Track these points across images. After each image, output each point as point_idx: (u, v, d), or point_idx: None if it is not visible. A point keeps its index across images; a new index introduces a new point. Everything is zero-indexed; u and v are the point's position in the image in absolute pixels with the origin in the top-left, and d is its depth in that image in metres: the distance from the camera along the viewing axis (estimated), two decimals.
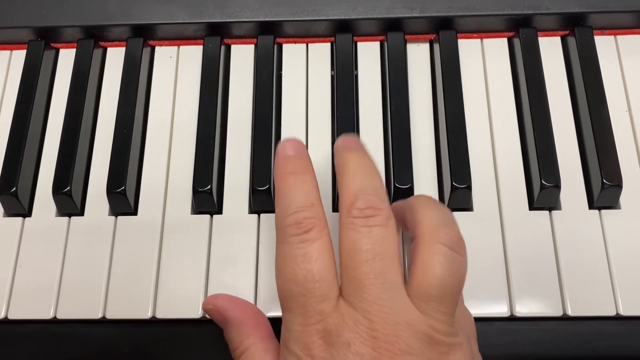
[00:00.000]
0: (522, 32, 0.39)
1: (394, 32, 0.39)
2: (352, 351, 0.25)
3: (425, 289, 0.27)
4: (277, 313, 0.33)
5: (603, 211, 0.35)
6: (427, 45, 0.40)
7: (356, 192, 0.28)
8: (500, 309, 0.33)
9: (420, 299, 0.27)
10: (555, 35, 0.40)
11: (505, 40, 0.40)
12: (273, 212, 0.36)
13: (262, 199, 0.35)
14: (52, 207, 0.36)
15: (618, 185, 0.34)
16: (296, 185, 0.29)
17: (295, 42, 0.40)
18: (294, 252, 0.27)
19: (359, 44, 0.40)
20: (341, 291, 0.27)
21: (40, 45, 0.40)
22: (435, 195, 0.36)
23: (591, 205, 0.35)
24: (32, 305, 0.34)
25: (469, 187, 0.34)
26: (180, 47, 0.41)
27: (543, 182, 0.34)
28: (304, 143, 0.37)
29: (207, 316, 0.34)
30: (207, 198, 0.35)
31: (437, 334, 0.26)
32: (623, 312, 0.32)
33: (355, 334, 0.26)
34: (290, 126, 0.38)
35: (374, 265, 0.26)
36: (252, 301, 0.34)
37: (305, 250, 0.27)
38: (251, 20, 0.39)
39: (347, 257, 0.27)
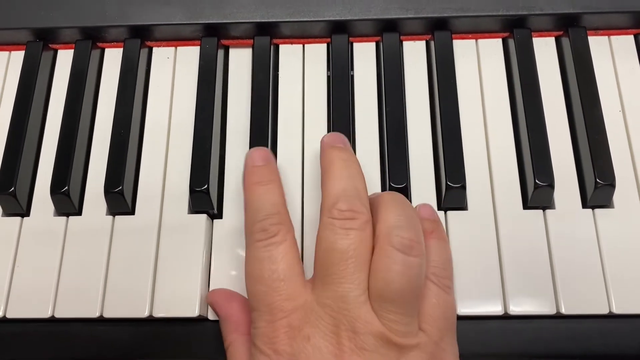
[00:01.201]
0: (516, 32, 0.39)
1: (389, 33, 0.39)
2: (311, 344, 0.27)
3: (378, 290, 0.28)
4: None
5: (596, 210, 0.35)
6: (423, 46, 0.40)
7: (339, 193, 0.30)
8: (494, 308, 0.33)
9: (376, 300, 0.28)
10: (549, 36, 0.40)
11: (499, 40, 0.40)
12: None
13: None
14: (50, 207, 0.37)
15: (611, 185, 0.34)
16: (263, 195, 0.31)
17: (291, 43, 0.40)
18: (261, 255, 0.29)
19: (354, 44, 0.40)
20: (312, 284, 0.29)
21: (39, 46, 0.40)
22: (431, 195, 0.36)
23: (585, 205, 0.35)
24: (30, 304, 0.34)
25: (464, 187, 0.35)
26: (178, 48, 0.41)
27: (537, 181, 0.34)
28: (300, 142, 0.37)
29: (203, 315, 0.34)
30: (203, 198, 0.35)
31: (392, 335, 0.27)
32: (616, 310, 0.33)
33: (315, 328, 0.27)
34: (287, 126, 0.38)
35: (346, 267, 0.28)
36: None
37: (270, 253, 0.29)
38: (248, 21, 0.39)
39: (321, 255, 0.29)
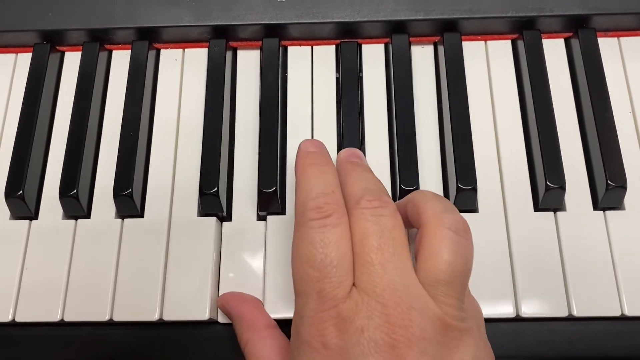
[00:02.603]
0: (526, 34, 0.39)
1: (398, 35, 0.39)
2: (366, 337, 0.25)
3: (434, 273, 0.27)
4: (284, 315, 0.33)
5: (608, 212, 0.35)
6: (431, 48, 0.40)
7: (362, 190, 0.29)
8: (505, 310, 0.33)
9: (430, 284, 0.27)
10: (558, 37, 0.40)
11: (509, 42, 0.40)
12: (280, 214, 0.36)
13: (268, 201, 0.35)
14: (59, 209, 0.37)
15: (622, 187, 0.34)
16: (317, 174, 0.30)
17: (300, 45, 0.40)
18: (313, 235, 0.28)
19: (363, 46, 0.40)
20: (354, 279, 0.27)
21: (46, 48, 0.40)
22: None
23: (596, 207, 0.35)
24: (39, 307, 0.34)
25: (475, 189, 0.35)
26: (186, 49, 0.41)
27: (548, 183, 0.34)
28: None
29: (214, 318, 0.34)
30: (213, 200, 0.35)
31: (449, 319, 0.26)
32: (628, 312, 0.33)
33: (368, 319, 0.26)
34: (296, 128, 0.38)
35: (385, 252, 0.27)
36: None
37: (324, 235, 0.27)
38: (256, 23, 0.39)
39: (358, 245, 0.27)
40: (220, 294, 0.34)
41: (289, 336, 0.29)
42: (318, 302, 0.27)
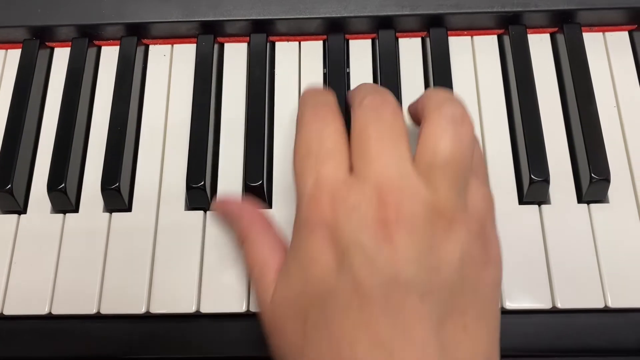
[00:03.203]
0: (511, 29, 0.39)
1: (385, 30, 0.40)
2: (357, 214, 0.26)
3: (429, 156, 0.27)
4: None
5: (592, 205, 0.35)
6: (418, 43, 0.40)
7: (367, 92, 0.30)
8: None
9: (425, 169, 0.27)
10: (544, 32, 0.40)
11: (495, 37, 0.40)
12: (267, 208, 0.36)
13: (254, 195, 0.35)
14: (47, 204, 0.37)
15: (606, 180, 0.34)
16: (316, 91, 0.32)
17: (287, 40, 0.41)
18: (312, 123, 0.29)
19: (350, 41, 0.41)
20: (351, 167, 0.28)
21: (35, 44, 0.40)
22: None
23: (580, 200, 0.35)
24: (28, 301, 0.34)
25: None
26: (174, 45, 0.41)
27: (532, 176, 0.34)
28: None
29: (202, 311, 0.34)
30: (200, 194, 0.35)
31: (442, 205, 0.26)
32: (611, 304, 0.33)
33: (361, 199, 0.26)
34: (283, 123, 0.38)
35: (384, 138, 0.27)
36: (244, 296, 0.34)
37: (320, 129, 0.29)
38: (244, 18, 0.39)
39: (357, 136, 0.28)
40: (204, 287, 0.34)
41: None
42: (315, 184, 0.28)
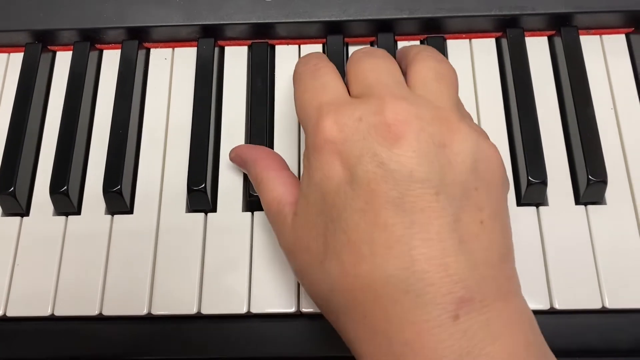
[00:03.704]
0: (509, 32, 0.39)
1: (384, 33, 0.40)
2: (364, 123, 0.27)
3: (421, 78, 0.29)
4: (271, 309, 0.34)
5: (589, 207, 0.35)
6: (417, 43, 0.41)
7: (360, 49, 0.32)
8: None
9: (420, 87, 0.29)
10: (542, 35, 0.40)
11: (493, 40, 0.40)
12: None
13: (256, 198, 0.36)
14: (50, 206, 0.37)
15: (603, 181, 0.35)
16: (306, 54, 0.33)
17: (287, 44, 0.41)
18: (306, 80, 0.31)
19: (350, 45, 0.41)
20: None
21: (38, 48, 0.41)
22: None
23: (577, 201, 0.36)
24: (30, 302, 0.35)
25: None
26: (175, 49, 0.41)
27: (530, 178, 0.35)
28: (296, 141, 0.38)
29: (203, 313, 0.34)
30: (201, 197, 0.36)
31: (444, 110, 0.28)
32: (609, 304, 0.33)
33: (366, 110, 0.27)
34: (283, 125, 0.38)
35: (379, 68, 0.29)
36: (246, 297, 0.34)
37: (315, 77, 0.30)
38: (244, 22, 0.40)
39: (354, 74, 0.30)
40: (205, 288, 0.35)
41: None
42: (318, 112, 0.29)
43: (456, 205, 0.26)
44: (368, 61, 0.30)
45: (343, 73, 0.38)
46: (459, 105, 0.29)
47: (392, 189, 0.26)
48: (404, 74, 0.31)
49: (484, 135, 0.29)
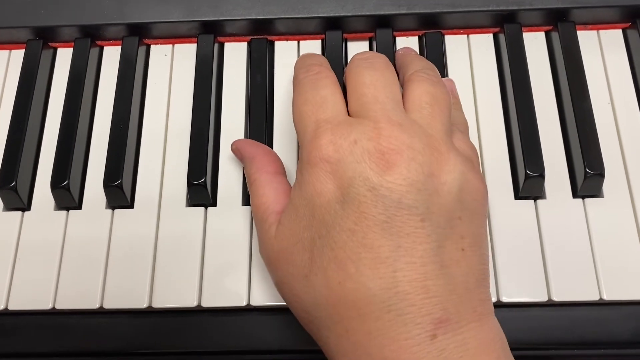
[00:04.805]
0: (507, 27, 0.40)
1: (382, 29, 0.40)
2: (359, 147, 0.28)
3: (415, 101, 0.30)
4: (270, 302, 0.34)
5: (587, 200, 0.36)
6: (415, 42, 0.41)
7: (360, 53, 0.33)
8: None
9: (414, 111, 0.30)
10: (539, 31, 0.41)
11: (490, 35, 0.41)
12: None
13: None
14: (51, 201, 0.37)
15: (600, 174, 0.35)
16: (307, 55, 0.35)
17: (286, 40, 0.41)
18: (305, 87, 0.31)
19: (349, 41, 0.41)
20: (349, 112, 0.30)
21: (39, 44, 0.41)
22: None
23: (575, 194, 0.36)
24: (32, 296, 0.35)
25: None
26: (175, 45, 0.41)
27: (528, 171, 0.35)
28: (295, 136, 0.38)
29: (203, 306, 0.35)
30: (201, 191, 0.36)
31: (435, 139, 0.29)
32: (606, 296, 0.33)
33: (362, 133, 0.28)
34: (282, 120, 0.39)
35: (377, 84, 0.30)
36: (245, 291, 0.34)
37: (314, 84, 0.31)
38: (243, 18, 0.40)
39: (352, 83, 0.31)
40: (205, 282, 0.35)
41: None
42: (315, 128, 0.30)
43: (440, 233, 0.27)
44: (367, 74, 0.31)
45: (342, 71, 0.39)
46: (449, 132, 0.30)
47: (381, 213, 0.27)
48: (402, 83, 0.32)
49: (471, 164, 0.30)
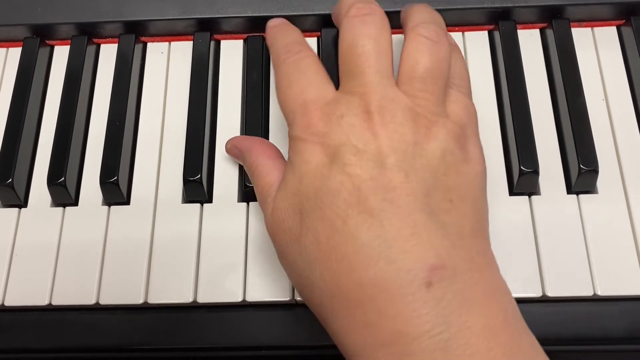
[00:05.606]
0: (501, 24, 0.40)
1: None
2: (345, 121, 0.29)
3: (408, 71, 0.30)
4: (266, 298, 0.34)
5: (581, 196, 0.36)
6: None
7: (354, 2, 0.32)
8: None
9: (405, 82, 0.30)
10: (534, 28, 0.41)
11: (485, 33, 0.41)
12: None
13: (251, 189, 0.36)
14: (47, 198, 0.37)
15: (594, 170, 0.35)
16: (282, 31, 0.35)
17: None
18: (288, 69, 0.32)
19: None
20: (339, 87, 0.31)
21: (36, 42, 0.41)
22: None
23: (569, 190, 0.36)
24: (28, 292, 0.35)
25: None
26: (171, 42, 0.42)
27: (522, 167, 0.35)
28: None
29: (199, 302, 0.35)
30: (197, 187, 0.36)
31: (421, 110, 0.29)
32: (600, 292, 0.33)
33: (348, 109, 0.29)
34: (278, 117, 0.39)
35: (368, 58, 0.30)
36: (241, 287, 0.35)
37: (297, 65, 0.32)
38: (239, 15, 0.40)
39: (344, 53, 0.31)
40: (201, 278, 0.35)
41: None
42: (303, 109, 0.30)
43: (425, 185, 0.28)
44: (360, 39, 0.30)
45: (337, 69, 0.39)
46: (440, 100, 0.30)
47: (366, 172, 0.28)
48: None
49: (460, 130, 0.30)
